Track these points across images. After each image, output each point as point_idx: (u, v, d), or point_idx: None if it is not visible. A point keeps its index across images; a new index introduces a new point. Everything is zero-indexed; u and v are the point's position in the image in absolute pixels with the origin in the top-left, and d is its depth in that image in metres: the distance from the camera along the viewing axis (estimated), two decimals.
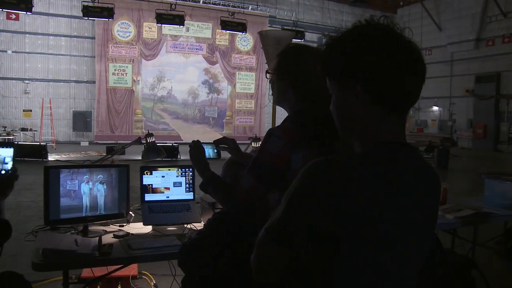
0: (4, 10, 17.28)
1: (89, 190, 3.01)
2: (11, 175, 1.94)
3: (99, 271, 3.28)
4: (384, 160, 1.15)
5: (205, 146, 2.18)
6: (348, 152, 1.26)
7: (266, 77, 2.02)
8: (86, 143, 23.11)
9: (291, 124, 1.82)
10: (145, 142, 3.49)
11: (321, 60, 1.27)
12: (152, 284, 4.27)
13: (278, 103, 2.00)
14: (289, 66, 1.91)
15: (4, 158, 1.98)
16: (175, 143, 18.20)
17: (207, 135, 25.76)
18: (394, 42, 1.15)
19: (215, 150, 2.49)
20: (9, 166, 1.96)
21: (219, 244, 2.31)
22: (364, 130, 1.21)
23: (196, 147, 2.12)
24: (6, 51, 22.14)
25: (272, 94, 2.02)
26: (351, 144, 1.28)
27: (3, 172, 1.96)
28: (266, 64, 11.31)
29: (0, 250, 1.84)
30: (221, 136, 2.46)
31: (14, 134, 19.44)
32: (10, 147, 2.00)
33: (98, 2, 18.68)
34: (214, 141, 2.32)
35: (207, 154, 2.17)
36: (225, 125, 26.45)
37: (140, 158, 15.85)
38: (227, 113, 26.47)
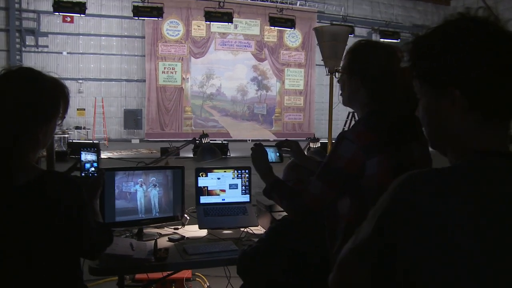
0: (60, 14, 17.81)
1: (144, 192, 2.94)
2: (98, 177, 1.96)
3: (153, 273, 3.23)
4: (483, 176, 0.97)
5: (267, 149, 2.05)
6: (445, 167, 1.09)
7: (335, 76, 1.87)
8: (137, 141, 23.54)
9: (365, 126, 1.66)
10: (198, 141, 3.39)
11: (409, 61, 1.11)
12: (206, 286, 4.21)
13: (348, 104, 1.84)
14: (361, 63, 1.75)
15: (90, 164, 2.02)
16: (224, 140, 18.24)
17: (256, 132, 25.73)
18: (496, 39, 0.98)
19: (277, 153, 2.36)
20: (93, 168, 2.02)
21: (281, 254, 2.18)
22: (459, 139, 1.04)
23: (258, 150, 2.00)
24: (61, 53, 22.85)
25: (341, 94, 1.87)
26: (443, 154, 1.11)
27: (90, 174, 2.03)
28: (322, 61, 11.04)
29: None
30: (283, 138, 2.31)
31: (69, 132, 20.03)
32: (93, 151, 2.01)
33: (148, 2, 18.92)
34: (276, 143, 2.20)
35: (269, 158, 2.04)
36: (274, 122, 26.32)
37: (191, 155, 16.04)
38: (276, 110, 26.32)
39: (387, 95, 1.69)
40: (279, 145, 2.18)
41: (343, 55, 1.84)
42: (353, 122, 18.69)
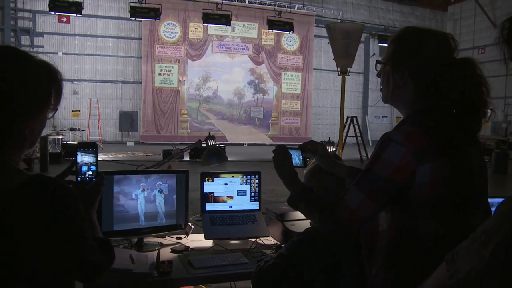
0: (56, 13, 17.58)
1: (145, 198, 2.69)
2: (97, 182, 1.60)
3: None
4: None
5: (291, 152, 1.79)
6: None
7: (376, 69, 1.61)
8: (132, 143, 23.29)
9: (415, 126, 1.40)
10: (204, 143, 3.14)
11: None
12: None
13: (391, 100, 1.58)
14: (409, 53, 1.50)
15: (87, 167, 1.61)
16: (221, 143, 17.99)
17: (252, 136, 25.50)
18: None
19: (301, 157, 2.14)
20: (90, 172, 1.60)
21: (303, 272, 1.93)
22: None
23: (282, 153, 1.74)
24: (57, 53, 22.56)
25: (381, 90, 1.61)
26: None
27: (87, 179, 1.60)
28: (334, 61, 10.82)
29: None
30: (280, 142, 2.02)
31: (63, 133, 19.77)
32: (91, 152, 1.61)
33: (145, 3, 18.70)
34: (300, 145, 1.94)
35: (293, 162, 1.78)
36: (271, 126, 26.09)
37: (187, 158, 15.80)
38: (273, 113, 26.10)
39: (438, 90, 1.44)
40: (303, 148, 1.92)
41: (389, 43, 1.58)
42: (351, 127, 18.54)
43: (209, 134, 3.05)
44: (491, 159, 16.01)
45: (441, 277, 0.82)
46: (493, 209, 2.29)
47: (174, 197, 2.78)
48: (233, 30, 24.21)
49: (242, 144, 24.71)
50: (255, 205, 3.00)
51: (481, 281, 0.76)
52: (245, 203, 2.99)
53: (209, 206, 2.93)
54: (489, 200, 1.53)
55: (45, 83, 1.31)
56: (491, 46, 27.66)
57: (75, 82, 22.94)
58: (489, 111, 1.45)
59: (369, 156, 1.56)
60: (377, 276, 1.47)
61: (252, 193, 3.00)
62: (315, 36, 26.49)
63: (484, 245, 0.76)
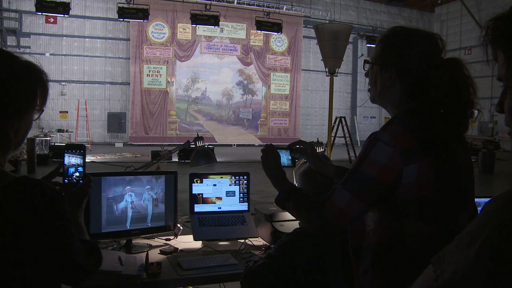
0: (43, 14, 17.43)
1: (133, 199, 2.68)
2: (85, 184, 1.58)
3: None
4: None
5: (279, 151, 1.80)
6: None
7: (364, 69, 1.62)
8: (121, 144, 23.18)
9: (402, 127, 1.40)
10: (193, 144, 3.14)
11: (495, 40, 0.88)
12: None
13: (379, 100, 1.58)
14: (397, 53, 1.50)
15: (74, 168, 1.60)
16: (209, 144, 17.95)
17: (241, 137, 25.50)
18: None
19: (289, 157, 2.15)
20: (78, 173, 1.58)
21: (291, 272, 1.93)
22: None
23: (270, 152, 1.74)
24: (44, 54, 22.39)
25: (369, 90, 1.62)
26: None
27: (74, 181, 1.59)
28: (322, 62, 10.82)
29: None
30: (268, 143, 1.98)
31: (51, 135, 19.62)
32: (79, 154, 1.61)
33: (133, 4, 18.62)
34: (289, 145, 1.94)
35: (281, 161, 1.78)
36: (260, 127, 26.11)
37: (176, 160, 15.75)
38: (261, 114, 26.13)
39: (425, 89, 1.45)
40: (292, 148, 1.93)
41: (376, 43, 1.58)
42: (340, 128, 18.60)
43: (198, 135, 3.04)
44: (478, 159, 16.15)
45: (428, 279, 0.82)
46: (479, 208, 2.33)
47: (163, 198, 2.77)
48: (222, 31, 24.20)
49: (231, 145, 24.70)
50: (244, 206, 3.00)
51: (465, 282, 0.76)
52: (234, 204, 2.98)
53: (198, 207, 2.93)
54: (476, 200, 1.54)
55: (31, 83, 1.29)
56: (477, 47, 27.81)
57: (63, 83, 22.78)
58: (476, 111, 1.46)
59: None
60: (364, 276, 1.47)
61: (241, 194, 3.00)
62: (304, 37, 26.57)
63: (469, 246, 0.76)
